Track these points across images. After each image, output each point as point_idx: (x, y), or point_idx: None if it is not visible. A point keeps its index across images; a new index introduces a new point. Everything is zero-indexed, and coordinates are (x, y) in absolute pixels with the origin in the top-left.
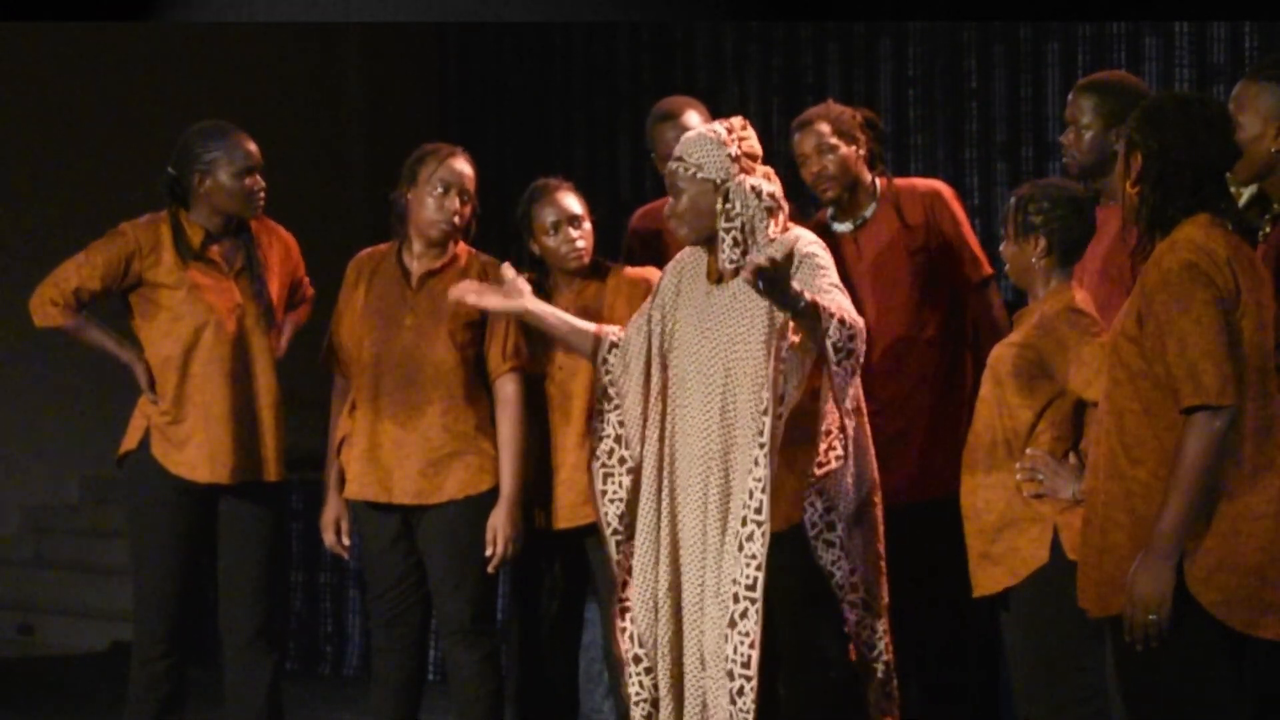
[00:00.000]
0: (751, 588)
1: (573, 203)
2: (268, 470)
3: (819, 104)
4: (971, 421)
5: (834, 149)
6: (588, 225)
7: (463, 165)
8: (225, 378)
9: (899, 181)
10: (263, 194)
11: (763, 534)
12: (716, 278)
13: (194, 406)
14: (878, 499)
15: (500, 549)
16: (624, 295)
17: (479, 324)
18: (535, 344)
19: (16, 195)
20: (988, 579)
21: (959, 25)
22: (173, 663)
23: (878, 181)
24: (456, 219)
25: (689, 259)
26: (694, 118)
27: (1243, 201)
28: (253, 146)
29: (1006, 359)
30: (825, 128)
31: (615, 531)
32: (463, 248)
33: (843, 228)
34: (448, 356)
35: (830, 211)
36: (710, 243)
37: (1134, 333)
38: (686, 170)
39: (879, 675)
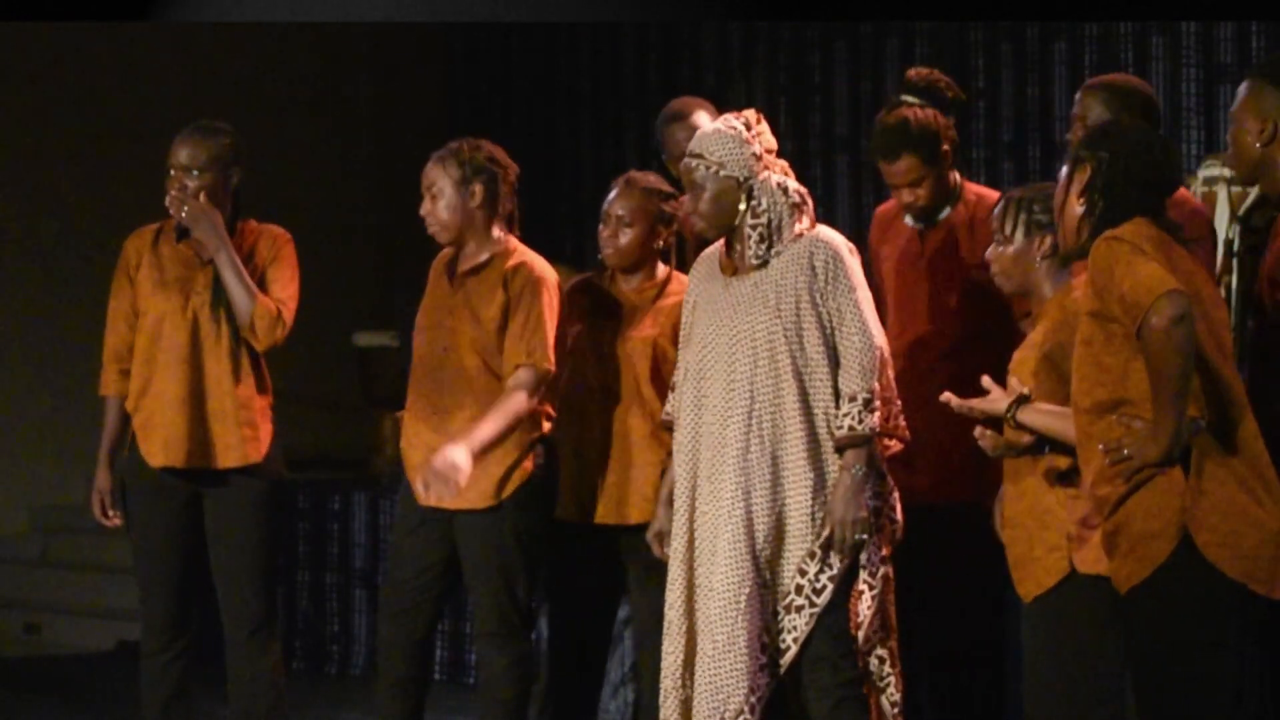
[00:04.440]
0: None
1: (618, 205)
2: (224, 457)
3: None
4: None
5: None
6: (632, 231)
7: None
8: (181, 364)
9: (971, 189)
10: (181, 201)
11: (812, 615)
12: (733, 270)
13: (157, 395)
14: (895, 502)
15: (437, 465)
16: (665, 299)
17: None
18: (585, 340)
19: (15, 198)
20: (1031, 581)
21: (966, 25)
22: (176, 655)
23: (957, 183)
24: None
25: (703, 264)
26: (703, 118)
27: (1248, 203)
28: (182, 149)
29: (1030, 361)
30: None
31: None
32: (512, 243)
33: (914, 224)
34: (471, 362)
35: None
36: (731, 235)
37: (1093, 313)
38: (708, 168)
39: (889, 685)
